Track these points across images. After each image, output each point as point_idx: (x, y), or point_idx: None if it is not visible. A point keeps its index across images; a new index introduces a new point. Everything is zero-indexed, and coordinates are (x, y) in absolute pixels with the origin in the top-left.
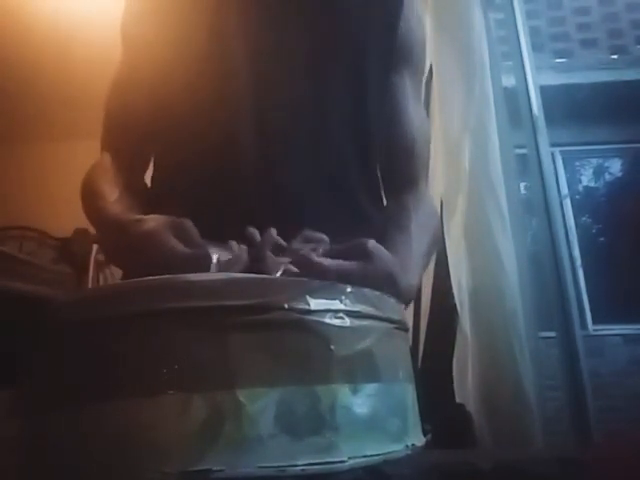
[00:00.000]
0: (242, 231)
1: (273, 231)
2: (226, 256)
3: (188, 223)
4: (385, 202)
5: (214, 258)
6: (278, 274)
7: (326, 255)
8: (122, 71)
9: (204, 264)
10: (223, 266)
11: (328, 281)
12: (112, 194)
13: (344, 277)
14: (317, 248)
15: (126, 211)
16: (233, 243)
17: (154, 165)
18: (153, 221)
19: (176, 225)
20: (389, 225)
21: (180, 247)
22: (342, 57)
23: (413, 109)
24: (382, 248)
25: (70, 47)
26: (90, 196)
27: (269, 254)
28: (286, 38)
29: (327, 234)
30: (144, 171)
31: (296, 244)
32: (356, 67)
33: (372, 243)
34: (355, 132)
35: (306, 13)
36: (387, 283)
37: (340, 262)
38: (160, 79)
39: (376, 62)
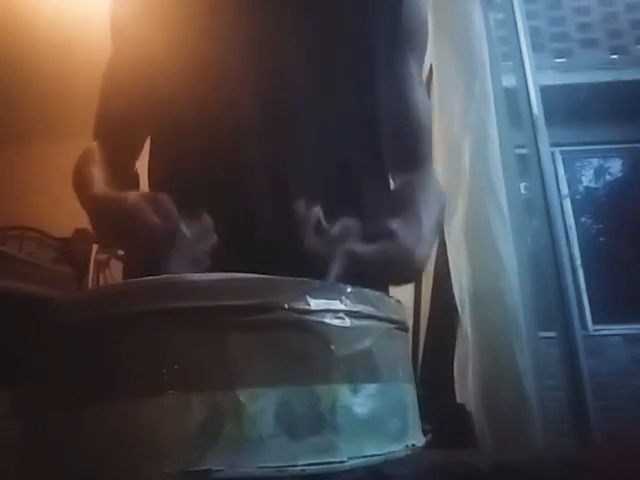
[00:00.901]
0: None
1: (317, 210)
2: (197, 229)
3: (164, 197)
4: (392, 183)
5: (186, 232)
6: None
7: (358, 238)
8: (113, 66)
9: (175, 235)
10: (195, 237)
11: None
12: (102, 176)
13: (373, 259)
14: (352, 234)
15: (114, 191)
16: (205, 216)
17: (151, 155)
18: (134, 197)
19: (153, 199)
20: (398, 204)
21: (154, 220)
22: (346, 42)
23: (419, 92)
24: (402, 227)
25: (70, 47)
26: (80, 178)
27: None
28: (288, 24)
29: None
30: (135, 159)
31: (336, 230)
32: (360, 52)
33: (395, 223)
34: (363, 116)
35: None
36: (406, 258)
37: (367, 247)
38: (153, 70)
39: (380, 45)
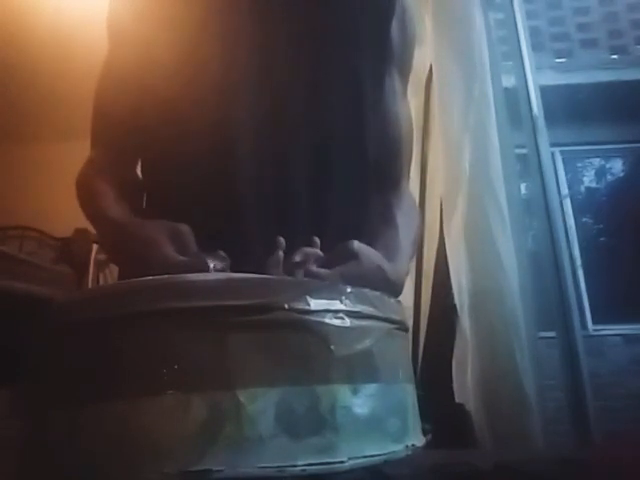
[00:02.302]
0: (236, 236)
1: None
2: (221, 265)
3: (186, 230)
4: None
5: (211, 266)
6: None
7: (320, 264)
8: (109, 65)
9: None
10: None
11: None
12: (110, 193)
13: (340, 280)
14: (312, 260)
15: (125, 213)
16: (222, 253)
17: (145, 161)
18: (152, 227)
19: (174, 232)
20: (377, 220)
21: (176, 256)
22: (340, 57)
23: (401, 109)
24: (365, 245)
25: (70, 47)
26: (88, 196)
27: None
28: (282, 38)
29: (324, 234)
30: (136, 163)
31: (297, 257)
32: (353, 67)
33: (356, 243)
34: (355, 132)
35: (301, 12)
36: (376, 274)
37: (332, 271)
38: (151, 71)
39: (367, 60)
